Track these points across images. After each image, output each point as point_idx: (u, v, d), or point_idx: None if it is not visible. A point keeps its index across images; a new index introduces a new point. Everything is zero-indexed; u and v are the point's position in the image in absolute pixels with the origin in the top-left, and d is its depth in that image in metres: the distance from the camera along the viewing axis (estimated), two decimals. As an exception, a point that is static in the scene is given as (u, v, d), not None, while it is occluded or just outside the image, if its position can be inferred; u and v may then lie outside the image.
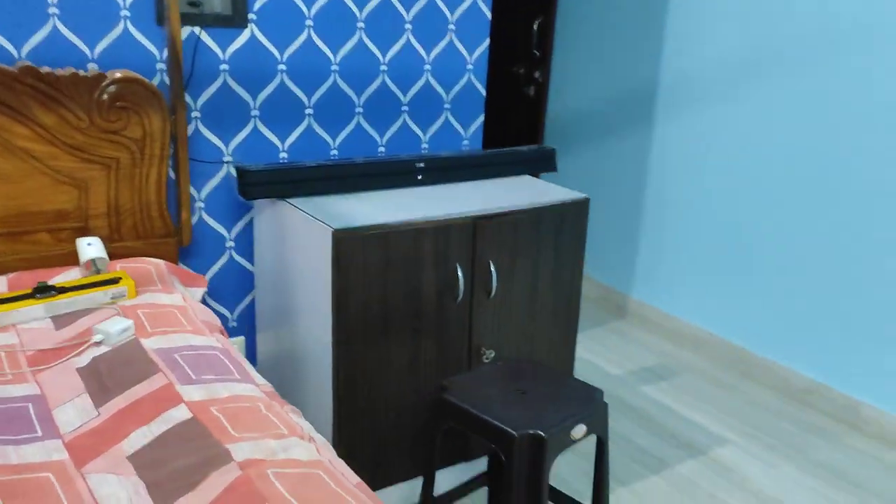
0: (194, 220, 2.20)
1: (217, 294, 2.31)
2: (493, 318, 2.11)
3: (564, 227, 2.19)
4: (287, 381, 2.15)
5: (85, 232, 1.88)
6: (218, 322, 1.78)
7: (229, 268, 2.30)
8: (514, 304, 2.14)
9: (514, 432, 1.59)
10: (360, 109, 2.39)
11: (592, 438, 1.87)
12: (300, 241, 1.95)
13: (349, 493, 1.16)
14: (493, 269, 2.05)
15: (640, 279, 3.51)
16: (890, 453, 2.55)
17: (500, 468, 2.00)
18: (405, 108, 2.48)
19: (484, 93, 2.64)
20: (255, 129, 2.22)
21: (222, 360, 1.54)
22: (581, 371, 3.01)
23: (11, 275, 1.77)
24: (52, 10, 1.84)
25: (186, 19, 2.01)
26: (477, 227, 2.01)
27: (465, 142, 2.66)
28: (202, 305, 1.81)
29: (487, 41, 2.58)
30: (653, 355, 3.19)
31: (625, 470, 2.37)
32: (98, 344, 1.56)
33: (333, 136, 2.37)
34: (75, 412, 1.34)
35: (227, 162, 2.19)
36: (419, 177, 2.24)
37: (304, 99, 2.28)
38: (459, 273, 2.00)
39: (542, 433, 1.59)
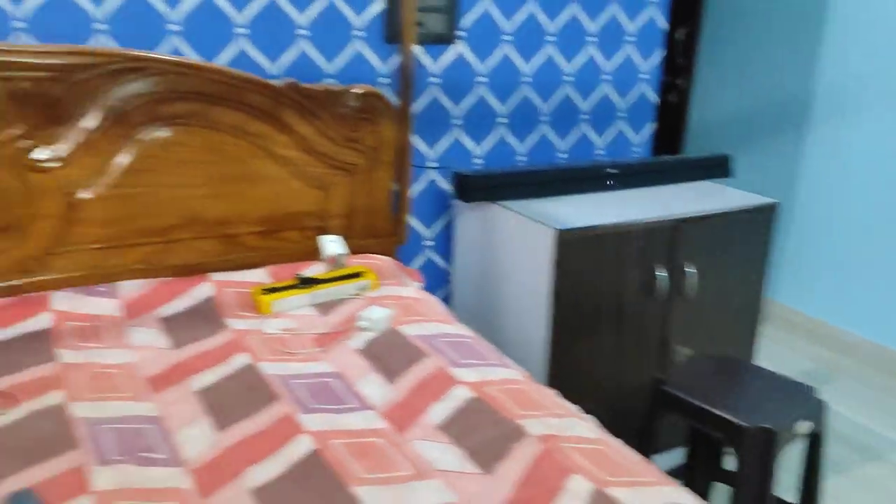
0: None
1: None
2: (686, 317, 2.23)
3: (754, 230, 2.30)
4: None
5: (324, 231, 2.08)
6: (450, 314, 1.95)
7: (426, 265, 2.48)
8: (706, 305, 2.26)
9: (746, 425, 1.71)
10: (546, 117, 2.55)
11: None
12: (515, 241, 2.12)
13: (645, 468, 1.31)
14: (690, 270, 2.17)
15: (784, 283, 3.56)
16: None
17: (698, 460, 2.12)
18: (584, 115, 2.62)
19: (655, 101, 2.76)
20: (456, 137, 2.40)
21: (477, 347, 1.71)
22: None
23: (271, 267, 1.98)
24: (302, 31, 2.05)
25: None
26: (677, 230, 2.13)
27: (636, 149, 2.78)
28: (434, 297, 1.98)
29: (661, 52, 2.70)
30: (806, 359, 3.25)
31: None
32: (363, 330, 1.75)
33: (521, 142, 2.53)
34: (376, 388, 1.52)
35: (441, 167, 2.37)
36: (609, 182, 2.38)
37: (499, 108, 2.45)
38: (660, 273, 2.12)
39: (771, 427, 1.70)
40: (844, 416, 2.78)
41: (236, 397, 1.46)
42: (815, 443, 1.87)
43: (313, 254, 2.07)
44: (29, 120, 1.63)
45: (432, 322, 1.81)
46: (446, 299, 2.53)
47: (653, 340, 2.20)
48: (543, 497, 1.21)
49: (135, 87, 1.72)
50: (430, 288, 2.51)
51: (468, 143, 2.43)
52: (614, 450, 1.36)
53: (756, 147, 3.61)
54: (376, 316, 1.76)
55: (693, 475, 2.14)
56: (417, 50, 2.24)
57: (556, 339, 2.02)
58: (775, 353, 3.28)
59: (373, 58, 2.18)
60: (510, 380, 1.58)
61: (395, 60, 2.21)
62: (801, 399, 1.83)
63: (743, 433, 1.71)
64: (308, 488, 1.21)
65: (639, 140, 2.78)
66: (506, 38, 2.38)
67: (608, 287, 2.07)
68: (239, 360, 1.59)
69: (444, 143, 2.39)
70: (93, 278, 1.80)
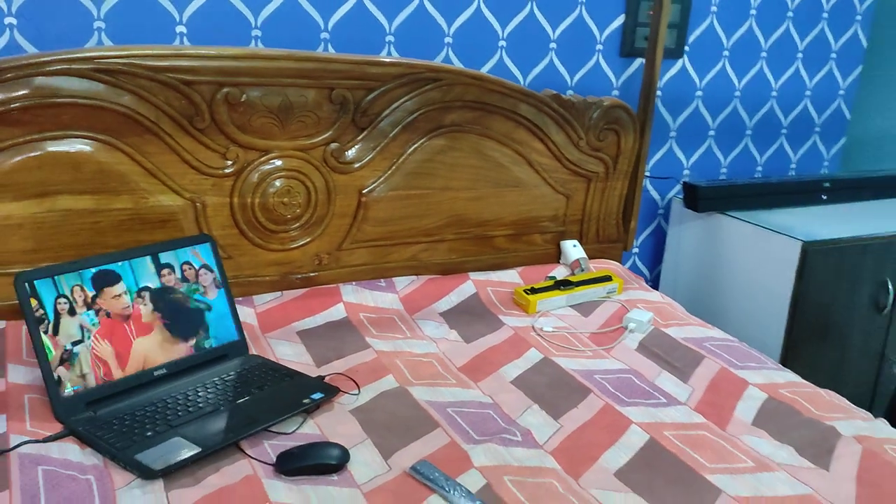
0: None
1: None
2: (905, 329, 2.27)
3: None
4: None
5: (563, 235, 2.19)
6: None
7: (632, 272, 2.57)
8: (923, 319, 2.29)
9: None
10: (749, 132, 2.61)
11: None
12: (750, 251, 2.18)
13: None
14: (916, 285, 2.22)
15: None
16: None
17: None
18: (784, 130, 2.68)
19: (849, 117, 2.80)
20: (670, 148, 2.48)
21: (747, 350, 1.78)
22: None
23: (520, 269, 2.10)
24: (552, 44, 2.17)
25: (641, 52, 2.29)
26: (908, 246, 2.18)
27: (826, 163, 2.82)
28: (677, 303, 2.06)
29: (860, 68, 2.74)
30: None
31: None
32: (629, 331, 1.85)
33: (725, 155, 2.60)
34: (673, 386, 1.61)
35: (668, 178, 2.48)
36: (824, 196, 2.43)
37: (710, 121, 2.52)
38: (890, 287, 2.17)
39: None
40: None
41: (550, 389, 1.56)
42: None
43: (554, 257, 2.17)
44: (340, 125, 1.77)
45: (691, 325, 1.89)
46: (648, 305, 2.61)
47: (872, 352, 2.24)
48: (889, 497, 1.27)
49: (429, 95, 1.84)
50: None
51: (679, 154, 2.51)
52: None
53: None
54: (643, 318, 1.85)
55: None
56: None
57: (789, 345, 2.08)
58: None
59: (608, 71, 2.27)
60: (794, 382, 1.65)
61: (628, 74, 2.31)
62: None
63: None
64: (664, 473, 1.30)
65: (830, 155, 2.82)
66: (725, 53, 2.46)
67: (841, 298, 2.12)
68: (534, 355, 1.69)
69: (658, 154, 2.47)
70: (372, 273, 1.93)
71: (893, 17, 3.76)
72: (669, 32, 2.29)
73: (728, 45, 2.45)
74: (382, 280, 1.94)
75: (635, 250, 2.55)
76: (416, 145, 1.90)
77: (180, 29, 1.74)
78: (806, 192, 2.41)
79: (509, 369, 1.63)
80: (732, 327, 2.25)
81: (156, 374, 1.37)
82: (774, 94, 2.60)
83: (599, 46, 2.23)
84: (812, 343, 2.13)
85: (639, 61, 2.30)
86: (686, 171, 2.54)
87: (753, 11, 2.44)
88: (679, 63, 2.38)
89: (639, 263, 2.58)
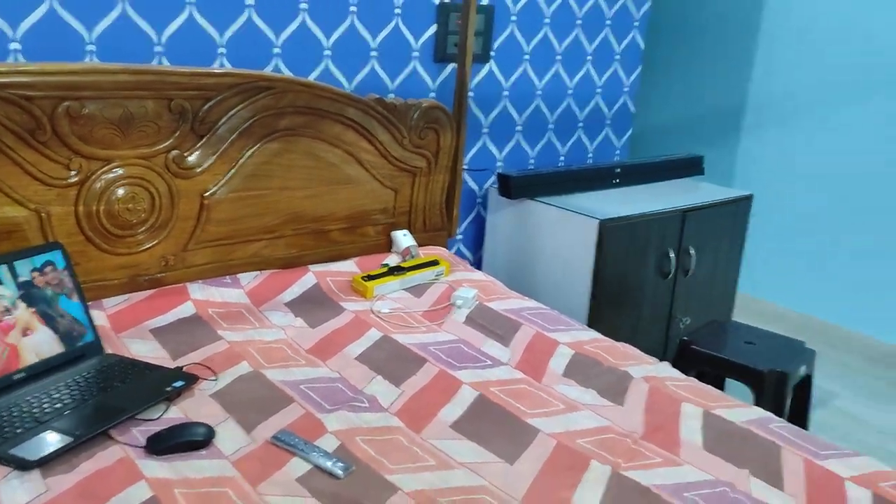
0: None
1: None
2: (686, 292, 2.69)
3: (735, 218, 2.79)
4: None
5: (393, 226, 2.39)
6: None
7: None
8: (700, 282, 2.73)
9: (764, 370, 2.17)
10: (552, 126, 2.95)
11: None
12: (557, 231, 2.50)
13: (727, 397, 1.72)
14: (692, 251, 2.63)
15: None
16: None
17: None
18: (580, 123, 3.05)
19: (633, 110, 3.22)
20: (484, 143, 2.76)
21: (558, 316, 2.08)
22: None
23: (356, 259, 2.27)
24: (373, 52, 2.36)
25: (452, 57, 2.53)
26: (684, 219, 2.58)
27: (617, 151, 3.24)
28: (498, 281, 2.33)
29: (640, 67, 3.16)
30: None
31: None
32: (458, 307, 2.08)
33: (532, 148, 2.92)
34: (497, 350, 1.86)
35: (483, 170, 2.74)
36: (615, 180, 2.81)
37: (517, 118, 2.83)
38: (672, 255, 2.57)
39: (785, 371, 2.17)
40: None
41: (391, 361, 1.76)
42: (807, 383, 2.37)
43: (386, 246, 2.37)
44: (180, 133, 1.86)
45: (510, 298, 2.16)
46: (474, 286, 2.89)
47: (662, 311, 2.64)
48: (670, 420, 1.59)
49: (263, 103, 1.97)
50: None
51: (492, 148, 2.79)
52: (698, 385, 1.77)
53: (699, 151, 4.17)
54: (468, 295, 2.10)
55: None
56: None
57: (594, 310, 2.42)
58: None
59: (425, 75, 2.50)
60: (596, 339, 1.96)
61: (442, 77, 2.55)
62: (797, 349, 2.32)
63: (763, 377, 2.17)
64: (492, 421, 1.54)
65: (620, 144, 3.23)
66: (526, 57, 2.77)
67: (633, 267, 2.49)
68: (374, 334, 1.88)
69: (474, 149, 2.74)
70: (217, 271, 2.03)
71: (666, 24, 4.32)
72: (476, 39, 2.56)
73: (528, 50, 2.76)
74: (228, 277, 2.05)
75: (459, 236, 2.81)
76: (253, 149, 2.02)
77: (14, 46, 1.76)
78: (601, 177, 2.77)
79: (353, 348, 1.81)
80: (546, 298, 2.56)
81: (15, 377, 1.41)
82: (570, 91, 2.95)
83: (416, 53, 2.45)
84: (612, 307, 2.48)
85: (451, 66, 2.55)
86: (499, 163, 2.83)
87: (547, 20, 2.77)
88: (487, 66, 2.66)
89: (463, 248, 2.84)
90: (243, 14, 2.08)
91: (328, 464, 1.31)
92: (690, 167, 3.08)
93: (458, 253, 2.82)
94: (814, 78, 3.59)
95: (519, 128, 2.85)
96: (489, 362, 1.80)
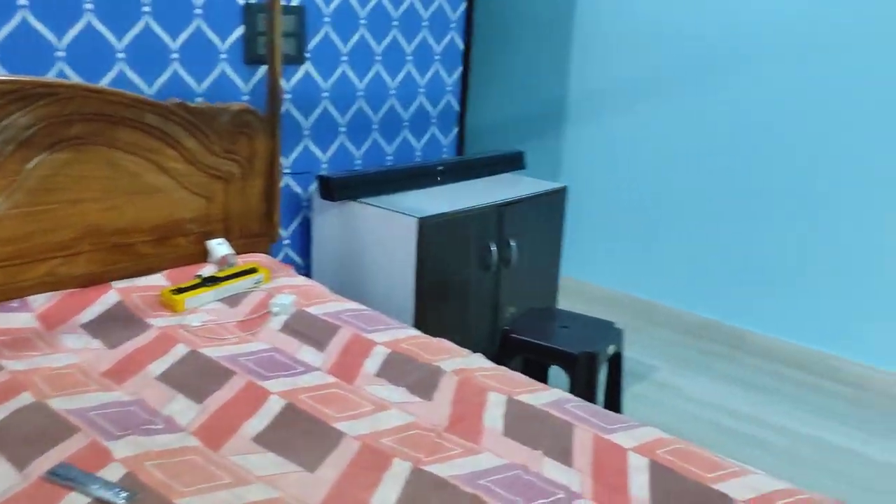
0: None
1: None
2: (510, 282, 2.76)
3: (552, 209, 2.89)
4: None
5: (208, 235, 2.29)
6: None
7: (284, 261, 2.76)
8: (523, 272, 2.81)
9: (575, 352, 2.26)
10: (376, 126, 2.94)
11: (603, 359, 2.57)
12: (379, 231, 2.49)
13: (531, 382, 1.77)
14: (513, 244, 2.71)
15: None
16: (769, 364, 3.51)
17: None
18: (405, 123, 3.06)
19: (458, 108, 3.27)
20: (306, 146, 2.71)
21: (377, 317, 2.07)
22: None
23: (167, 272, 2.16)
24: (175, 55, 2.25)
25: (264, 59, 2.46)
26: (502, 213, 2.65)
27: (445, 149, 3.28)
28: (320, 284, 2.29)
29: (461, 68, 3.22)
30: (583, 314, 3.98)
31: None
32: (275, 314, 2.02)
33: (358, 147, 2.90)
34: (311, 356, 1.82)
35: (304, 173, 2.68)
36: (439, 178, 2.84)
37: (339, 119, 2.80)
38: (493, 248, 2.63)
39: (594, 351, 2.27)
40: (621, 353, 3.52)
41: (196, 377, 1.68)
42: (617, 361, 2.49)
43: (201, 256, 2.27)
44: (-58, 145, 1.70)
45: (330, 302, 2.13)
46: (305, 291, 2.83)
47: (489, 303, 2.70)
48: (474, 409, 1.61)
49: (45, 110, 1.83)
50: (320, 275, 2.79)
51: (315, 150, 2.75)
52: (507, 373, 1.81)
53: (526, 146, 4.31)
54: (286, 301, 2.05)
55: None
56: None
57: (420, 307, 2.43)
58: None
59: (236, 78, 2.42)
60: (413, 336, 1.97)
61: (256, 79, 2.48)
62: (606, 329, 2.43)
63: (575, 359, 2.26)
64: (298, 430, 1.50)
65: (447, 142, 3.28)
66: (343, 57, 2.74)
67: (456, 263, 2.53)
68: (181, 350, 1.80)
69: (296, 152, 2.69)
70: (5, 294, 1.87)
71: (487, 23, 4.42)
72: (288, 40, 2.51)
73: (345, 51, 2.74)
74: (15, 300, 1.89)
75: (286, 241, 2.75)
76: (36, 161, 1.87)
77: None
78: (424, 176, 2.80)
79: (155, 367, 1.72)
80: (373, 299, 2.56)
81: None
82: (392, 91, 2.96)
83: (224, 55, 2.37)
84: (438, 303, 2.50)
85: (264, 68, 2.48)
86: (324, 165, 2.79)
87: (363, 20, 2.76)
88: (303, 68, 2.62)
89: (291, 253, 2.78)
90: (16, 15, 1.92)
91: (109, 494, 1.23)
92: (512, 162, 3.17)
93: (287, 259, 2.76)
94: (628, 73, 3.79)
95: (343, 129, 2.82)
96: (301, 369, 1.76)
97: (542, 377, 2.64)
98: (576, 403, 1.63)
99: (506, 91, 4.36)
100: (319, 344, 1.89)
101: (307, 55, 2.62)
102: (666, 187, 3.79)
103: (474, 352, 1.91)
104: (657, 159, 3.79)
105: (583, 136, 4.09)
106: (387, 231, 2.46)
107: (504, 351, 2.38)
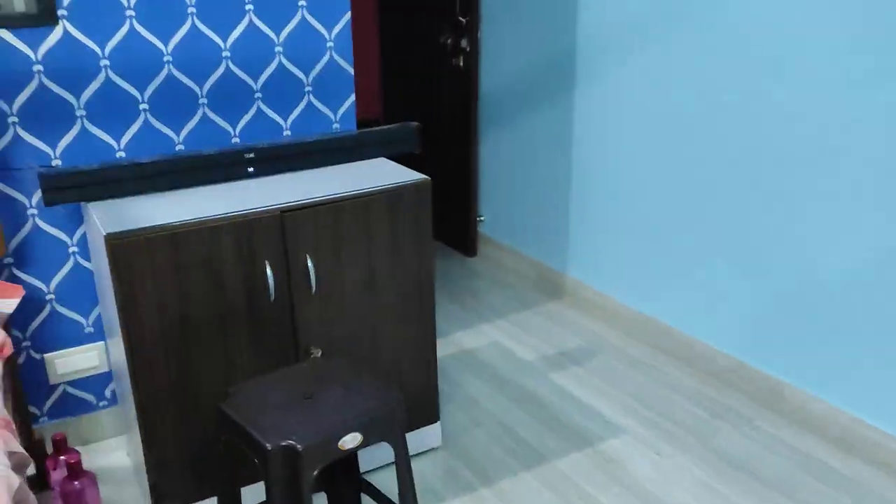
0: (27, 228, 2.15)
1: (70, 301, 2.26)
2: (319, 314, 1.99)
3: (402, 211, 2.04)
4: (120, 391, 2.10)
5: None
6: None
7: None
8: (345, 298, 2.01)
9: (267, 445, 1.48)
10: (204, 100, 2.29)
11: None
12: (96, 248, 1.88)
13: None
14: (310, 263, 1.93)
15: (575, 258, 3.31)
16: (804, 438, 2.32)
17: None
18: (258, 94, 2.36)
19: (352, 71, 2.49)
20: (84, 129, 2.15)
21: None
22: (490, 357, 2.86)
23: None
24: None
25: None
26: (285, 221, 1.88)
27: (336, 125, 2.52)
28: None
29: (349, 14, 2.43)
30: (577, 338, 3.01)
31: (496, 466, 2.22)
32: None
33: (177, 130, 2.27)
34: None
35: (34, 168, 2.11)
36: (250, 168, 2.12)
37: (136, 94, 2.19)
38: (268, 271, 1.88)
39: (297, 445, 1.47)
40: (580, 400, 2.54)
41: None
42: (397, 455, 1.64)
43: None
44: None
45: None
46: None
47: (281, 345, 1.96)
48: None
49: None
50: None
51: (103, 136, 2.18)
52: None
53: (540, 109, 3.34)
54: None
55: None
56: (4, 35, 1.98)
57: (135, 351, 1.78)
58: (546, 333, 3.04)
59: (-65, 49, 1.92)
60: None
61: (-24, 49, 1.96)
62: (369, 408, 1.59)
63: (266, 454, 1.48)
64: None
65: (339, 116, 2.52)
66: (129, 13, 2.12)
67: (202, 291, 1.83)
68: None
69: (68, 139, 2.14)
70: None
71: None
72: (9, -4, 1.94)
73: (131, 5, 2.11)
74: None
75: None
76: None
77: None
78: (223, 165, 2.09)
79: None
80: (114, 338, 1.96)
81: None
82: (226, 54, 2.28)
83: None
84: (180, 345, 1.84)
85: (-16, 34, 1.96)
86: (121, 153, 2.21)
87: (153, -38, 2.10)
88: (58, 31, 2.04)
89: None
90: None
91: None
92: (391, 144, 2.32)
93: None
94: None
95: (144, 106, 2.21)
96: None
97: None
98: None
99: (518, 44, 3.41)
100: None
101: (62, 13, 2.04)
102: (692, 176, 2.69)
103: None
104: (682, 131, 2.70)
105: (589, 99, 3.07)
106: (99, 249, 1.83)
107: (215, 429, 1.66)
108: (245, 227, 1.84)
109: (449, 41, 3.58)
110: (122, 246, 1.71)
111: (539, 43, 3.25)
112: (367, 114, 4.67)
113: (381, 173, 2.15)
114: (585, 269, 3.25)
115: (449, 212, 3.94)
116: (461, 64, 3.57)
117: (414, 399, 2.22)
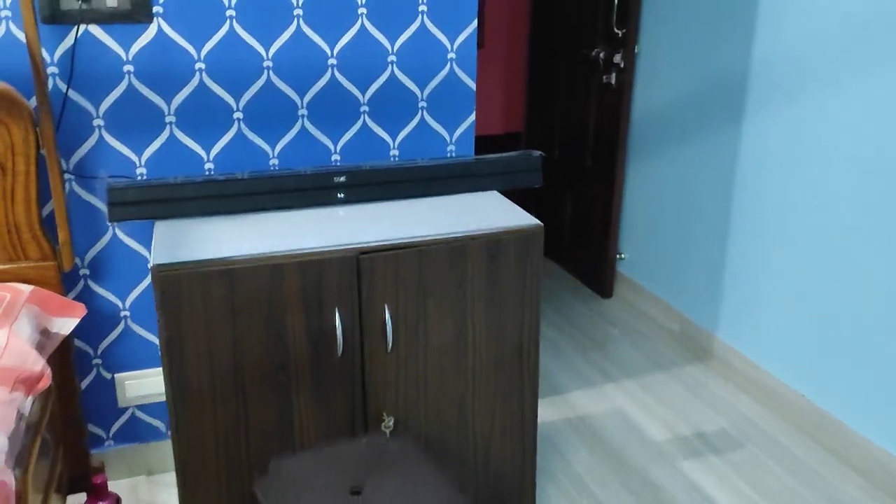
0: (106, 238, 2.00)
1: (147, 320, 2.08)
2: (395, 376, 1.67)
3: (504, 261, 1.69)
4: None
5: (-54, 254, 1.74)
6: (30, 371, 1.53)
7: (84, 293, 2.05)
8: (428, 359, 1.69)
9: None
10: (304, 111, 2.05)
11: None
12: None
13: None
14: (387, 315, 1.62)
15: (727, 316, 2.80)
16: None
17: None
18: (364, 107, 2.10)
19: (473, 87, 2.17)
20: (172, 136, 1.97)
21: None
22: (610, 428, 2.42)
23: None
24: (-88, 14, 1.71)
25: (71, 16, 1.79)
26: (362, 263, 1.58)
27: (451, 147, 2.21)
28: (25, 346, 1.57)
29: (475, 23, 2.11)
30: (720, 418, 2.51)
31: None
32: None
33: (272, 143, 2.05)
34: None
35: (107, 178, 1.94)
36: (340, 195, 1.85)
37: (231, 102, 1.98)
38: (338, 320, 1.59)
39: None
40: (713, 501, 2.08)
41: None
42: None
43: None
44: None
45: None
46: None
47: (345, 408, 1.66)
48: None
49: None
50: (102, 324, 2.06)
51: (192, 145, 1.99)
52: None
53: (703, 139, 2.86)
54: None
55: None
56: (94, 32, 1.83)
57: (177, 400, 1.55)
58: (685, 405, 2.56)
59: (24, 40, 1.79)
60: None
61: (67, 45, 1.82)
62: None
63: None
64: None
65: (455, 138, 2.20)
66: (230, 13, 1.91)
67: (259, 337, 1.57)
68: None
69: (155, 147, 1.96)
70: None
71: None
72: (99, -10, 1.78)
73: (231, 4, 1.90)
74: None
75: (84, 270, 2.05)
76: None
77: None
78: (306, 189, 1.83)
79: None
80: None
81: None
82: (332, 62, 2.02)
83: (6, 12, 1.76)
84: (228, 395, 1.59)
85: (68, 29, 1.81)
86: (209, 165, 2.01)
87: (259, -44, 1.88)
88: (152, 29, 1.86)
89: (95, 286, 2.06)
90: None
91: None
92: (512, 174, 1.96)
93: (88, 292, 2.03)
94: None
95: (238, 115, 1.99)
96: None
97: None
98: None
99: (681, 60, 2.95)
100: None
101: (157, 10, 1.86)
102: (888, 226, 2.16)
103: None
104: (880, 176, 2.17)
105: (764, 132, 2.57)
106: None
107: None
108: (314, 268, 1.56)
109: (601, 55, 3.17)
110: (171, 279, 1.48)
111: (704, 63, 2.77)
112: (508, 128, 4.35)
113: (487, 212, 1.81)
114: (739, 333, 2.74)
115: (586, 244, 3.52)
116: (612, 81, 3.15)
117: (504, 481, 1.86)
